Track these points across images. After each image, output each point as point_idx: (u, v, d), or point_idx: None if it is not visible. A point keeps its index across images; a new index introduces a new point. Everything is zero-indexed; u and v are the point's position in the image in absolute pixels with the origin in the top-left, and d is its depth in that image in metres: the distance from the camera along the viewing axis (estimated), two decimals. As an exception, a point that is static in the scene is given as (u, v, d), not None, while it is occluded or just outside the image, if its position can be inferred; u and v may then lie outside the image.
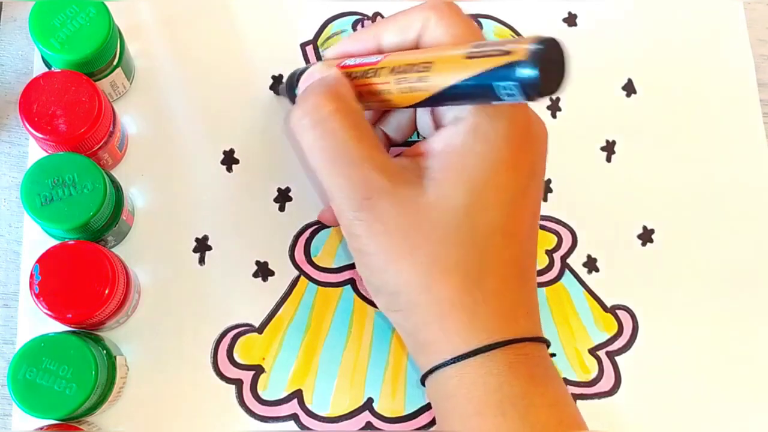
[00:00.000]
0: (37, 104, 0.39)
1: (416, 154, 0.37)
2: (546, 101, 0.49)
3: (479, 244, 0.35)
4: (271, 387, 0.43)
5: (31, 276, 0.37)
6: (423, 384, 0.38)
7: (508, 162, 0.35)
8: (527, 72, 0.29)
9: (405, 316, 0.37)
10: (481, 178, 0.35)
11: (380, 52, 0.38)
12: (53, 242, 0.39)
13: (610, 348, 0.46)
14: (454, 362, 0.35)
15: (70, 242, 0.38)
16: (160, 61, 0.46)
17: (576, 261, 0.47)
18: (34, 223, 0.39)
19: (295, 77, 0.42)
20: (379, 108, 0.40)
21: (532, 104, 0.36)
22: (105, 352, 0.39)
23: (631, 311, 0.47)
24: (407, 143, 0.42)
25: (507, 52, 0.29)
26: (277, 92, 0.47)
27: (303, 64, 0.48)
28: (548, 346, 0.38)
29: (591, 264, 0.47)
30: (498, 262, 0.36)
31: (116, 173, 0.43)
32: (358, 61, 0.37)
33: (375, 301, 0.38)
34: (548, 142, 0.39)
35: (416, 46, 0.37)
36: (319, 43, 0.49)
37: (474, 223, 0.35)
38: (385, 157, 0.36)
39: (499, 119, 0.35)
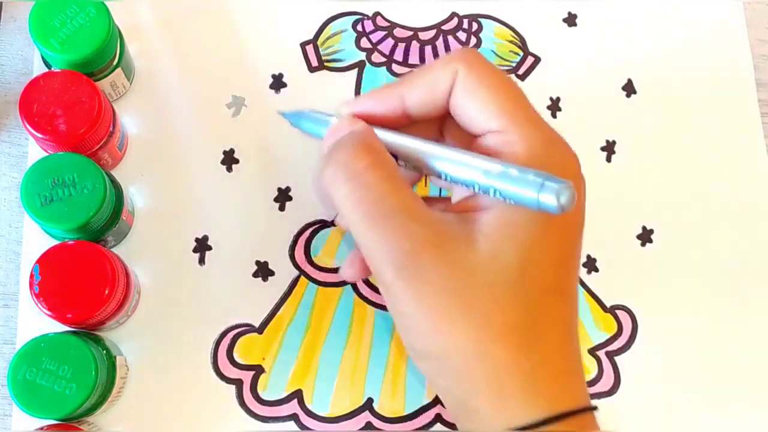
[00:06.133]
0: (37, 104, 0.39)
1: (463, 209, 0.34)
2: (547, 101, 0.49)
3: (534, 304, 0.32)
4: (271, 387, 0.43)
5: (31, 276, 0.37)
6: None
7: (558, 218, 0.32)
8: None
9: (455, 383, 0.33)
10: (534, 234, 0.33)
11: (406, 113, 0.35)
12: (53, 242, 0.39)
13: (610, 348, 0.46)
14: None
15: (70, 242, 0.38)
16: (160, 61, 0.46)
17: (576, 261, 0.47)
18: (34, 223, 0.39)
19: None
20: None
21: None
22: (105, 352, 0.39)
23: (631, 311, 0.47)
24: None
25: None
26: (277, 91, 0.47)
27: (303, 64, 0.48)
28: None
29: (591, 264, 0.47)
30: (552, 323, 0.33)
31: (116, 173, 0.43)
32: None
33: (418, 367, 0.35)
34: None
35: (446, 103, 0.34)
36: (319, 42, 0.49)
37: (528, 281, 0.32)
38: (428, 211, 0.33)
39: None
